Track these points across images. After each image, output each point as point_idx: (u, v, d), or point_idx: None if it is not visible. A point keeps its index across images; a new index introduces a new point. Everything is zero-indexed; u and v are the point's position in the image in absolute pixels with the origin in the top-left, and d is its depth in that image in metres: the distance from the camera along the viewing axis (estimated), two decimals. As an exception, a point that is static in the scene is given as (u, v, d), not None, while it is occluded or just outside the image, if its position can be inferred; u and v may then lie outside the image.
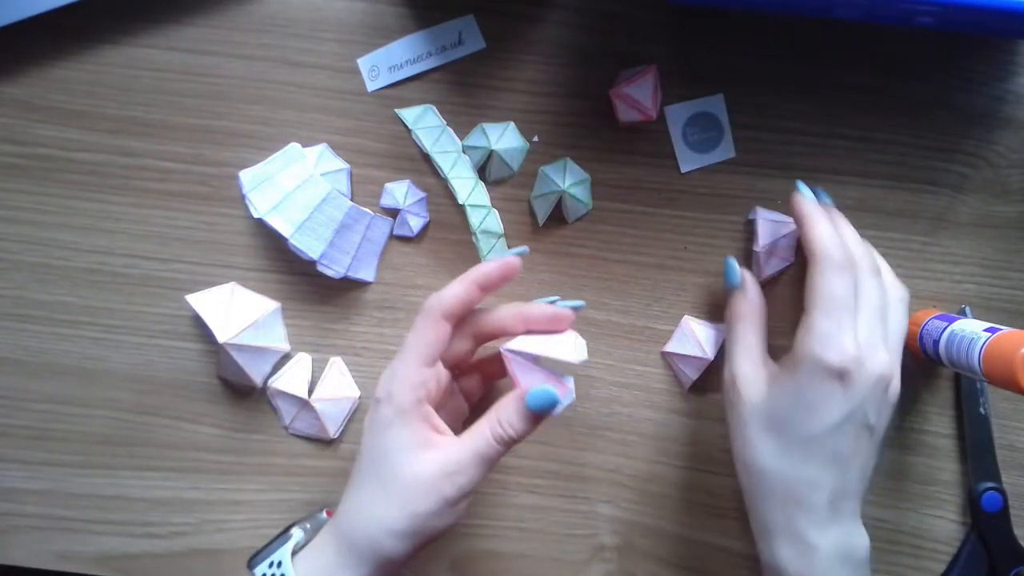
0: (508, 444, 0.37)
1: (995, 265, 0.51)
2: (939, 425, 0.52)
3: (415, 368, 0.37)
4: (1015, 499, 0.51)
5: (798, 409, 0.36)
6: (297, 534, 0.42)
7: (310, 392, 0.51)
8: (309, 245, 0.48)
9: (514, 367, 0.39)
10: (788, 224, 0.48)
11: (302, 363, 0.52)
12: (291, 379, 0.51)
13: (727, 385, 0.39)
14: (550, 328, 0.40)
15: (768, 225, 0.48)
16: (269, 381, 0.51)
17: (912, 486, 0.53)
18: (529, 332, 0.40)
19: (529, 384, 0.38)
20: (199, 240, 0.52)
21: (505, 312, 0.40)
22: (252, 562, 0.40)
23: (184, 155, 0.51)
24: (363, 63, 0.51)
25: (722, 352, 0.51)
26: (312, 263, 0.49)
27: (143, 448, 0.52)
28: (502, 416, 0.37)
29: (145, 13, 0.50)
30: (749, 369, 0.39)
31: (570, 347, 0.39)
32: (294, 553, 0.39)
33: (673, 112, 0.51)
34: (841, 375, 0.35)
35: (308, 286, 0.52)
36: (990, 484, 0.51)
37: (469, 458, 0.36)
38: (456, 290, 0.38)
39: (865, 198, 0.51)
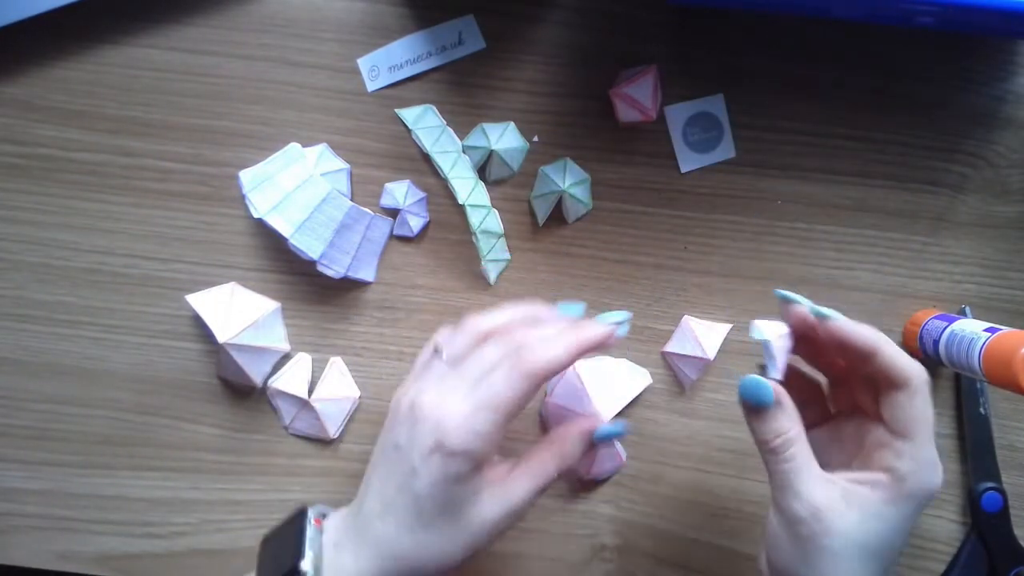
0: (563, 469, 0.38)
1: (995, 265, 0.51)
2: (939, 425, 0.52)
3: (500, 427, 0.35)
4: (1015, 499, 0.51)
5: (903, 535, 0.34)
6: (309, 572, 0.37)
7: (310, 392, 0.51)
8: (309, 245, 0.48)
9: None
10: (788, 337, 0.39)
11: (302, 363, 0.52)
12: (291, 379, 0.51)
13: (802, 516, 0.33)
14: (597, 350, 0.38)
15: (784, 343, 0.38)
16: (269, 381, 0.51)
17: (912, 486, 0.52)
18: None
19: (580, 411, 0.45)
20: (199, 240, 0.52)
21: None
22: (269, 537, 0.39)
23: (184, 155, 0.51)
24: (363, 63, 0.51)
25: (721, 354, 0.51)
26: (312, 263, 0.49)
27: (143, 448, 0.52)
28: (568, 451, 0.38)
29: (145, 13, 0.50)
30: (825, 495, 0.33)
31: (624, 377, 0.43)
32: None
33: (673, 112, 0.51)
34: None
35: (308, 286, 0.52)
36: (990, 484, 0.51)
37: (532, 494, 0.37)
38: (561, 357, 0.35)
39: (865, 198, 0.51)
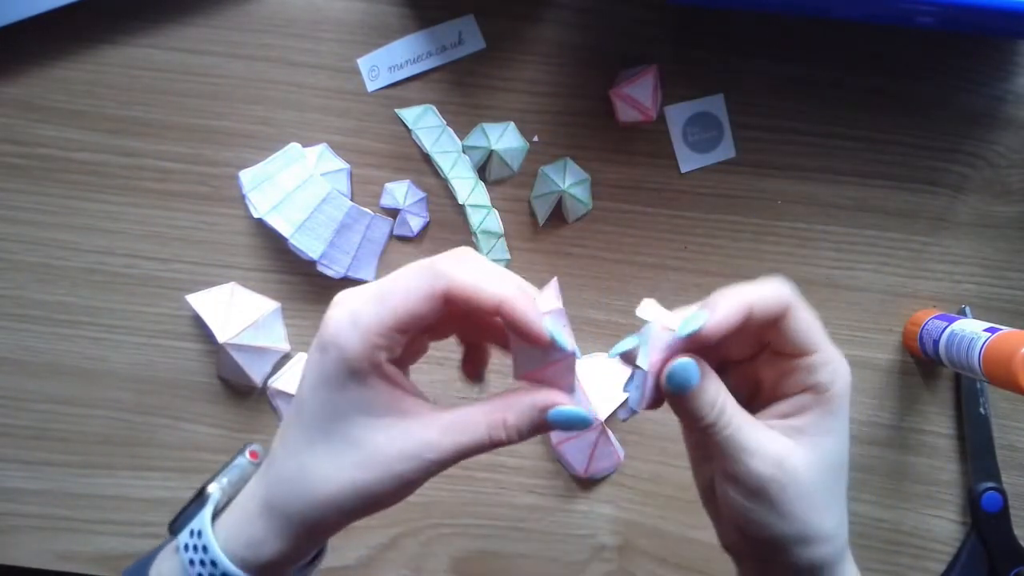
0: (499, 445, 0.31)
1: (995, 265, 0.51)
2: (939, 425, 0.52)
3: (379, 322, 0.29)
4: (1015, 499, 0.51)
5: (847, 441, 0.32)
6: (215, 494, 0.35)
7: (310, 392, 0.51)
8: (309, 245, 0.48)
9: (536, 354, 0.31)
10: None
11: (302, 363, 0.52)
12: (291, 379, 0.51)
13: (768, 474, 0.30)
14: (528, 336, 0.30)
15: (663, 336, 0.31)
16: (269, 381, 0.51)
17: (912, 486, 0.52)
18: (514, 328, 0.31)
19: (549, 381, 0.31)
20: (199, 240, 0.52)
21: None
22: (173, 526, 0.35)
23: (184, 155, 0.51)
24: (363, 63, 0.51)
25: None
26: (312, 263, 0.49)
27: (143, 448, 0.52)
28: (511, 420, 0.30)
29: (145, 13, 0.50)
30: (776, 443, 0.31)
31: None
32: (216, 516, 0.33)
33: (673, 112, 0.51)
34: None
35: (308, 286, 0.52)
36: (990, 484, 0.51)
37: (451, 450, 0.30)
38: (489, 285, 0.29)
39: (865, 198, 0.51)
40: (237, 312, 0.49)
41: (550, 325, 0.30)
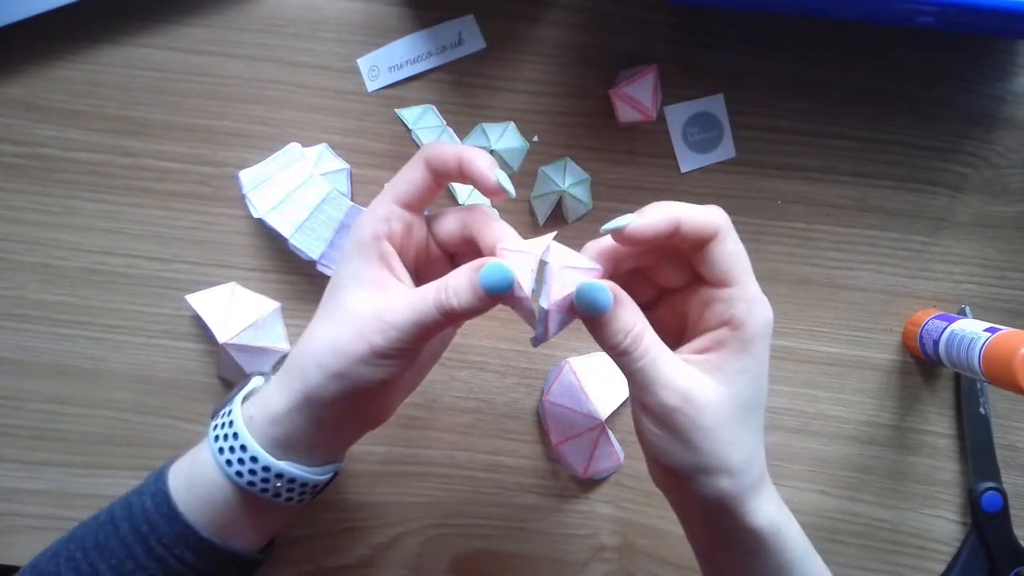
0: (451, 317, 0.32)
1: (995, 265, 0.51)
2: (939, 425, 0.52)
3: (384, 203, 0.35)
4: (1015, 499, 0.51)
5: (762, 382, 0.32)
6: (256, 381, 0.39)
7: (310, 392, 0.51)
8: (309, 245, 0.48)
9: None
10: (589, 272, 0.33)
11: (302, 363, 0.52)
12: (291, 379, 0.51)
13: (675, 405, 0.31)
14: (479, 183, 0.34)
15: (565, 274, 0.33)
16: (269, 381, 0.51)
17: (912, 486, 0.53)
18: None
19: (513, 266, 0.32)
20: (199, 240, 0.52)
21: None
22: (216, 410, 0.39)
23: (184, 155, 0.51)
24: (363, 63, 0.51)
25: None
26: (312, 263, 0.49)
27: (143, 448, 0.52)
28: (451, 283, 0.32)
29: (145, 13, 0.50)
30: (686, 376, 0.31)
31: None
32: (248, 398, 0.37)
33: (673, 112, 0.51)
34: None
35: (308, 286, 0.52)
36: (990, 484, 0.51)
37: (407, 316, 0.32)
38: (451, 148, 0.34)
39: (865, 198, 0.51)
40: (237, 312, 0.49)
41: (500, 178, 0.34)
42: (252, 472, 0.35)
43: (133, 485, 0.52)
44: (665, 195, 0.51)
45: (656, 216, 0.31)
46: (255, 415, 0.35)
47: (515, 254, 0.33)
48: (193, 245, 0.52)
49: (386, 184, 0.36)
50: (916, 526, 0.53)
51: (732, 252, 0.32)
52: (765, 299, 0.33)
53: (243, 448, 0.35)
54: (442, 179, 0.35)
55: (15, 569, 0.53)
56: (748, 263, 0.33)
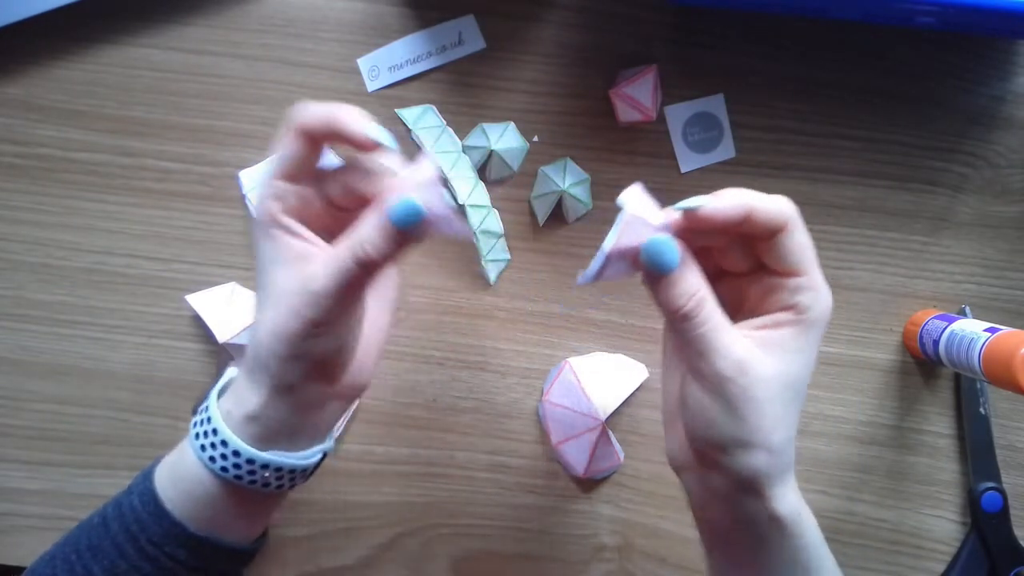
0: (370, 267, 0.32)
1: (995, 265, 0.51)
2: (939, 425, 0.52)
3: (268, 182, 0.34)
4: (1015, 499, 0.51)
5: (812, 367, 0.33)
6: (231, 372, 0.38)
7: (310, 392, 0.51)
8: (309, 245, 0.48)
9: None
10: (660, 230, 0.33)
11: (302, 363, 0.52)
12: (291, 379, 0.51)
13: (729, 375, 0.31)
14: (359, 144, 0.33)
15: (636, 226, 0.32)
16: (269, 381, 0.51)
17: (912, 486, 0.53)
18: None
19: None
20: (199, 240, 0.52)
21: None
22: (196, 406, 0.38)
23: (184, 155, 0.51)
24: (363, 63, 0.51)
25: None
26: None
27: (143, 448, 0.52)
28: (362, 233, 0.32)
29: (145, 13, 0.50)
30: (745, 348, 0.32)
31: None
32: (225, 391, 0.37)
33: (673, 112, 0.51)
34: None
35: (308, 286, 0.52)
36: (990, 484, 0.51)
37: (329, 281, 0.32)
38: (319, 109, 0.33)
39: (865, 198, 0.51)
40: (237, 312, 0.49)
41: (371, 131, 0.32)
42: (236, 466, 0.34)
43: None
44: (665, 195, 0.51)
45: (730, 201, 0.32)
46: (232, 410, 0.35)
47: (416, 184, 0.32)
48: (193, 245, 0.52)
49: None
50: (916, 526, 0.53)
51: (801, 244, 0.33)
52: (827, 287, 0.33)
53: (224, 444, 0.34)
54: (317, 144, 0.34)
55: (15, 569, 0.53)
56: (814, 252, 0.33)
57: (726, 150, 0.51)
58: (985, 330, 0.45)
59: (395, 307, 0.40)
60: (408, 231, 0.32)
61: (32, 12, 0.48)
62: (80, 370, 0.52)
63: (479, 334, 0.52)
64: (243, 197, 0.49)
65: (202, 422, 0.36)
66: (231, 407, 0.35)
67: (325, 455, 0.38)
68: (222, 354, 0.49)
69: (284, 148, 0.34)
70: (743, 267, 0.35)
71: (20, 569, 0.53)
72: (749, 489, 0.32)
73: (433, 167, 0.32)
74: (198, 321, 0.51)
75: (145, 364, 0.52)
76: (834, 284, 0.51)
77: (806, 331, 0.33)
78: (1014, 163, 0.51)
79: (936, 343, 0.48)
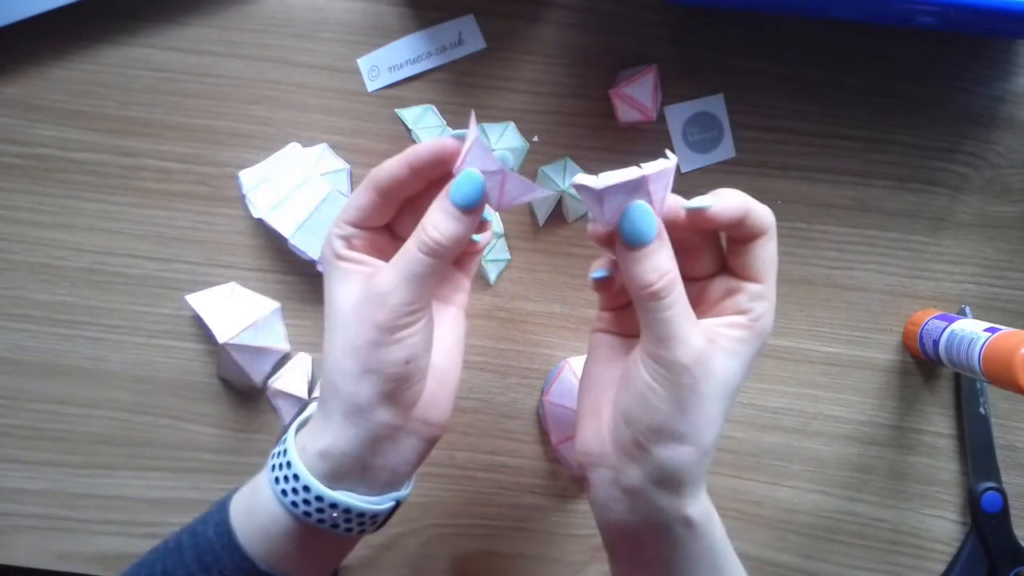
0: (439, 253, 0.32)
1: (995, 265, 0.51)
2: (939, 425, 0.52)
3: (339, 225, 0.35)
4: (1015, 499, 0.51)
5: (745, 377, 0.33)
6: (312, 407, 0.38)
7: (310, 392, 0.51)
8: (309, 245, 0.48)
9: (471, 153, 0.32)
10: (631, 181, 0.33)
11: (302, 363, 0.52)
12: (291, 379, 0.51)
13: (687, 364, 0.31)
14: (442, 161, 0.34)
15: (611, 193, 0.33)
16: (269, 381, 0.51)
17: (912, 486, 0.53)
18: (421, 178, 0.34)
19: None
20: (199, 240, 0.52)
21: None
22: (276, 442, 0.39)
23: (184, 155, 0.51)
24: (363, 63, 0.51)
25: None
26: (312, 263, 0.49)
27: (143, 448, 0.52)
28: (427, 223, 0.32)
29: (145, 13, 0.50)
30: (703, 341, 0.32)
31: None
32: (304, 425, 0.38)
33: (673, 112, 0.51)
34: None
35: (308, 286, 0.52)
36: (990, 484, 0.51)
37: (397, 276, 0.32)
38: (389, 164, 0.34)
39: (865, 198, 0.51)
40: (237, 312, 0.49)
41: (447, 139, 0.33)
42: (307, 502, 0.34)
43: (134, 485, 0.52)
44: (665, 195, 0.51)
45: (733, 202, 0.32)
46: (307, 445, 0.35)
47: (464, 162, 0.32)
48: (193, 245, 0.52)
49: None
50: (916, 526, 0.53)
51: (772, 253, 0.33)
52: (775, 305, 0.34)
53: (296, 477, 0.34)
54: (393, 199, 0.35)
55: (15, 569, 0.53)
56: (776, 268, 0.34)
57: (726, 150, 0.51)
58: (985, 330, 0.45)
59: (464, 345, 0.40)
60: (472, 208, 0.32)
61: (32, 12, 0.48)
62: (80, 370, 0.52)
63: (479, 334, 0.52)
64: (243, 197, 0.49)
65: (279, 453, 0.36)
66: (306, 442, 0.35)
67: (399, 504, 0.37)
68: (222, 354, 0.49)
69: (357, 202, 0.34)
70: (707, 271, 0.35)
71: (20, 569, 0.53)
72: (668, 484, 0.32)
73: (476, 132, 0.32)
74: (198, 321, 0.51)
75: (145, 364, 0.52)
76: (834, 284, 0.52)
77: (753, 339, 0.33)
78: (1014, 163, 0.51)
79: (936, 343, 0.48)
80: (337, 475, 0.34)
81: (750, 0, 0.47)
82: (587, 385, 0.36)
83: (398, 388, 0.34)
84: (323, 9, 0.50)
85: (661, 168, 0.32)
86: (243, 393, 0.52)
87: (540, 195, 0.34)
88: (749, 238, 0.33)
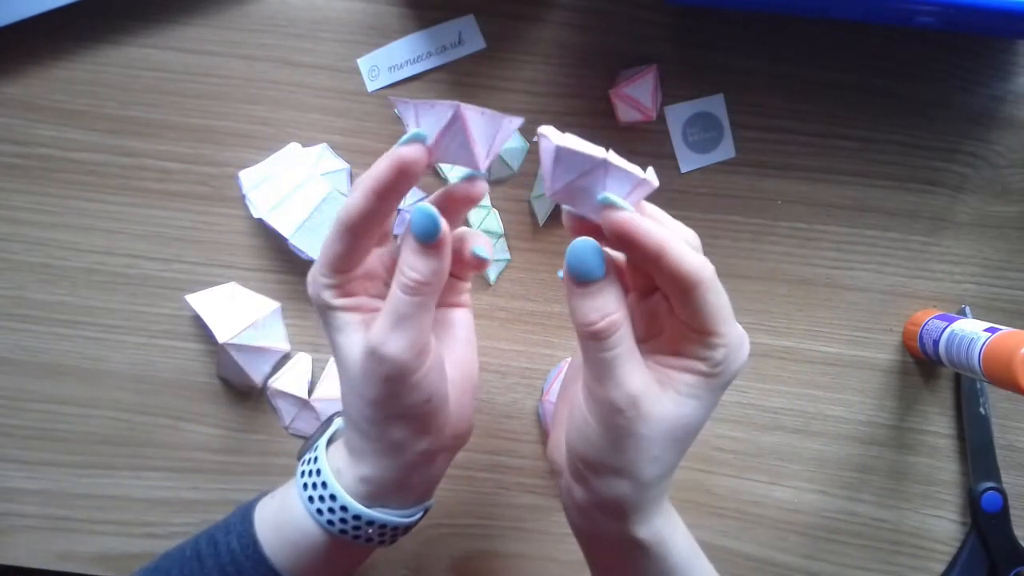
0: (422, 291, 0.31)
1: (995, 265, 0.51)
2: (939, 425, 0.52)
3: (320, 272, 0.34)
4: (1015, 499, 0.51)
5: (706, 416, 0.32)
6: (338, 421, 0.39)
7: (310, 392, 0.51)
8: (309, 245, 0.48)
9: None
10: (591, 158, 0.30)
11: (302, 363, 0.52)
12: (291, 379, 0.51)
13: (620, 407, 0.30)
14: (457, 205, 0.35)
15: (567, 159, 0.30)
16: (269, 381, 0.51)
17: (912, 486, 0.53)
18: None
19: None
20: (199, 240, 0.52)
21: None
22: (301, 452, 0.39)
23: (184, 155, 0.51)
24: (363, 63, 0.51)
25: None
26: (312, 263, 0.49)
27: (143, 448, 0.52)
28: (401, 263, 0.32)
29: (145, 13, 0.50)
30: (643, 382, 0.30)
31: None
32: (332, 441, 0.38)
33: (673, 112, 0.51)
34: None
35: (308, 286, 0.52)
36: (990, 484, 0.51)
37: (391, 325, 0.31)
38: (354, 201, 0.32)
39: (865, 198, 0.51)
40: (237, 312, 0.49)
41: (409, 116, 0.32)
42: (343, 520, 0.35)
43: (134, 485, 0.52)
44: (666, 196, 0.51)
45: (649, 228, 0.29)
46: (342, 468, 0.35)
47: (437, 143, 0.33)
48: (193, 245, 0.52)
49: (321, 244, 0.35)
50: (916, 526, 0.53)
51: (713, 304, 0.29)
52: (746, 337, 0.32)
53: (333, 498, 0.35)
54: (371, 234, 0.33)
55: (15, 569, 0.53)
56: (729, 308, 0.30)
57: (726, 150, 0.51)
58: (985, 330, 0.45)
59: (475, 341, 0.39)
60: (429, 238, 0.31)
61: (32, 12, 0.48)
62: (80, 370, 0.52)
63: (479, 334, 0.52)
64: (243, 197, 0.49)
65: (311, 473, 0.36)
66: (341, 465, 0.35)
67: (427, 511, 0.38)
68: (222, 354, 0.49)
69: (332, 248, 0.33)
70: (640, 285, 0.34)
71: (20, 569, 0.53)
72: (609, 511, 0.32)
73: (444, 116, 0.32)
74: (198, 321, 0.51)
75: (145, 364, 0.52)
76: (834, 284, 0.52)
77: (714, 385, 0.31)
78: (1014, 163, 0.51)
79: (936, 343, 0.48)
80: (376, 497, 0.35)
81: (750, 0, 0.47)
82: (561, 394, 0.36)
83: (427, 422, 0.34)
84: (323, 9, 0.50)
85: (627, 168, 0.29)
86: (243, 393, 0.52)
87: (516, 124, 0.32)
88: (681, 288, 0.29)
